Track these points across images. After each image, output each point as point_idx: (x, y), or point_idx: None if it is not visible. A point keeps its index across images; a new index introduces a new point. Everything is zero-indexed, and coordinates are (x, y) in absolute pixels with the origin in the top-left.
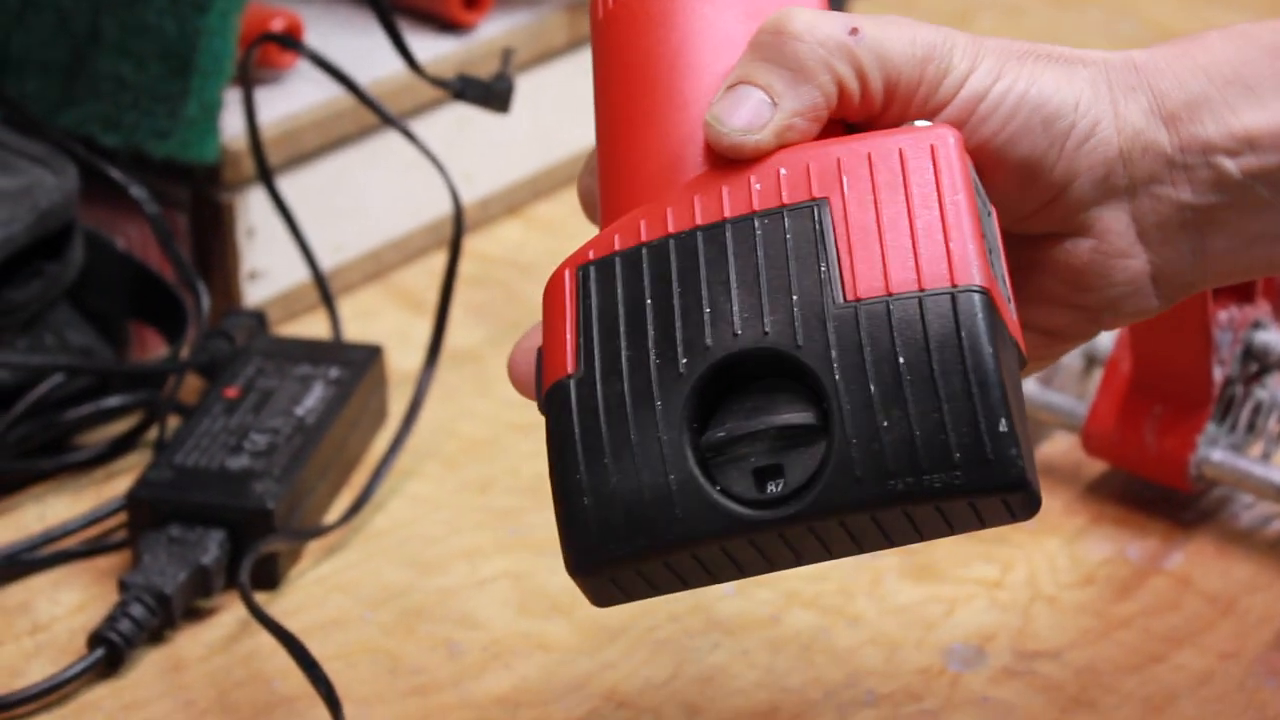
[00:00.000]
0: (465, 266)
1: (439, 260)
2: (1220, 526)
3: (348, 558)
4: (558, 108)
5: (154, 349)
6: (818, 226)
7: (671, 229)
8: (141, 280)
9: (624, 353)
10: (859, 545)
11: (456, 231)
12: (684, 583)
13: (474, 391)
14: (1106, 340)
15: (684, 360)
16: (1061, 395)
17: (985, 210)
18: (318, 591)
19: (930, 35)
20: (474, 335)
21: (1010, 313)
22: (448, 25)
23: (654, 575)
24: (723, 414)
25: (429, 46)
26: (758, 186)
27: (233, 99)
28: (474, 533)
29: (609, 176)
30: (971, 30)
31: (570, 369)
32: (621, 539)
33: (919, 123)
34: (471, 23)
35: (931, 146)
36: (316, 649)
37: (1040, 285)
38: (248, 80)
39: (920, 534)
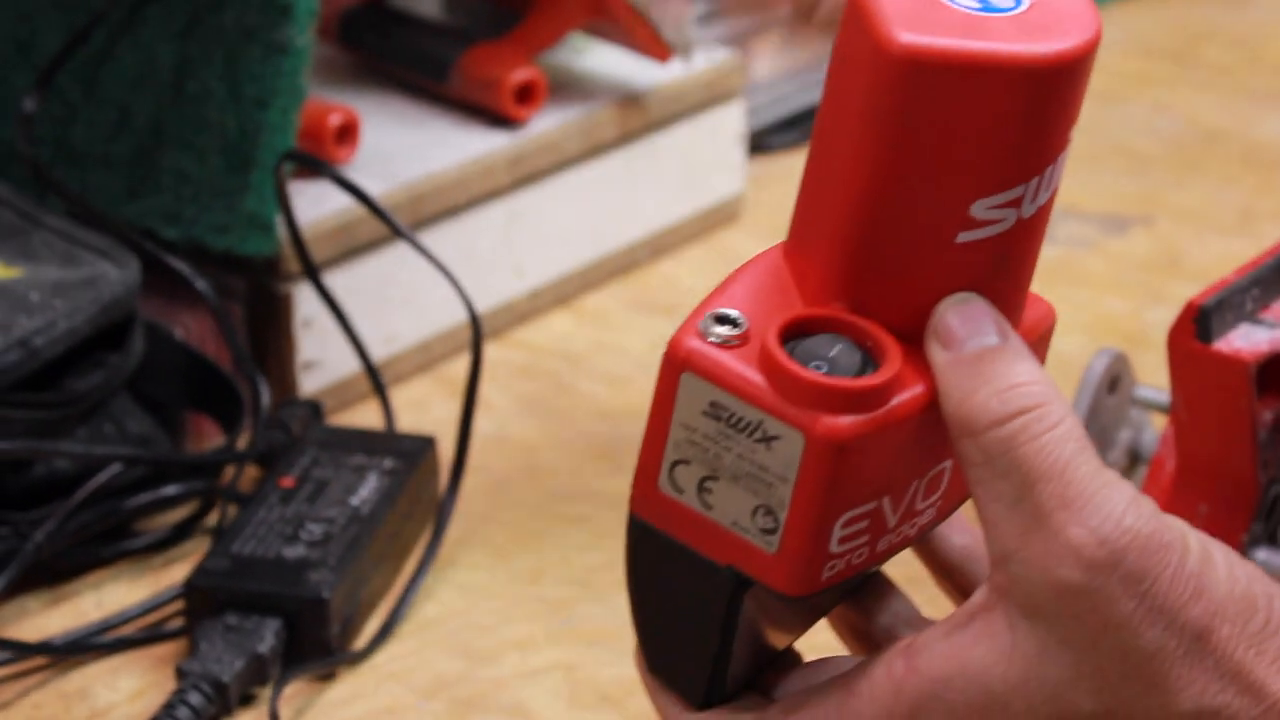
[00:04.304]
0: (515, 356)
1: (490, 352)
2: None
3: (400, 646)
4: (607, 201)
5: (209, 437)
6: None
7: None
8: (199, 370)
9: None
10: None
11: (476, 336)
12: None
13: (525, 481)
14: (1151, 439)
15: None
16: None
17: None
18: (371, 680)
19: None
20: (524, 425)
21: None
22: (500, 120)
23: None
24: None
25: (481, 140)
26: None
27: (291, 191)
28: (525, 623)
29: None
30: None
31: None
32: None
33: None
34: (524, 118)
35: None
36: None
37: None
38: (280, 185)
39: None
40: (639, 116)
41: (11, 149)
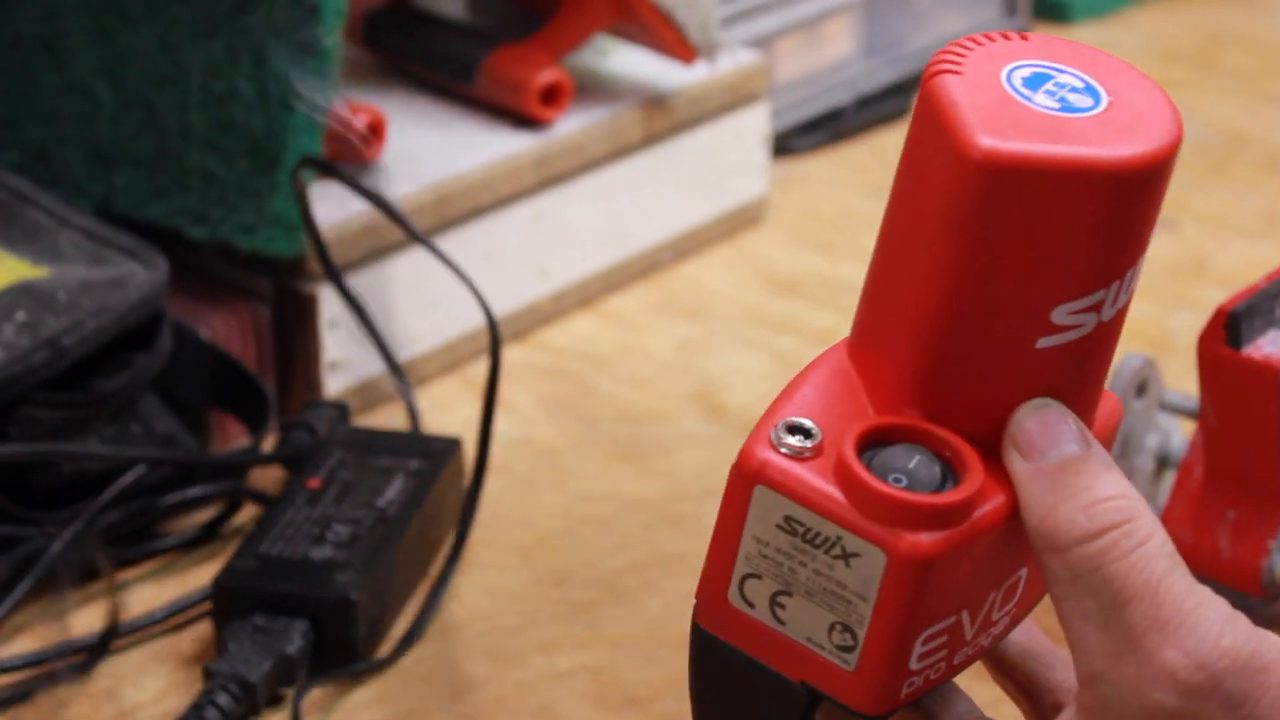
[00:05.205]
0: (539, 358)
1: (514, 353)
2: None
3: (426, 648)
4: (632, 203)
5: (234, 437)
6: None
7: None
8: (225, 371)
9: None
10: None
11: (494, 339)
12: None
13: (550, 483)
14: (1179, 444)
15: None
16: None
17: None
18: (398, 682)
19: None
20: (548, 427)
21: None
22: (525, 121)
23: None
24: None
25: (506, 142)
26: None
27: (317, 193)
28: (551, 625)
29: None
30: None
31: None
32: None
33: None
34: (549, 119)
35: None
36: None
37: None
38: (299, 189)
39: None
40: (663, 118)
41: (40, 148)
